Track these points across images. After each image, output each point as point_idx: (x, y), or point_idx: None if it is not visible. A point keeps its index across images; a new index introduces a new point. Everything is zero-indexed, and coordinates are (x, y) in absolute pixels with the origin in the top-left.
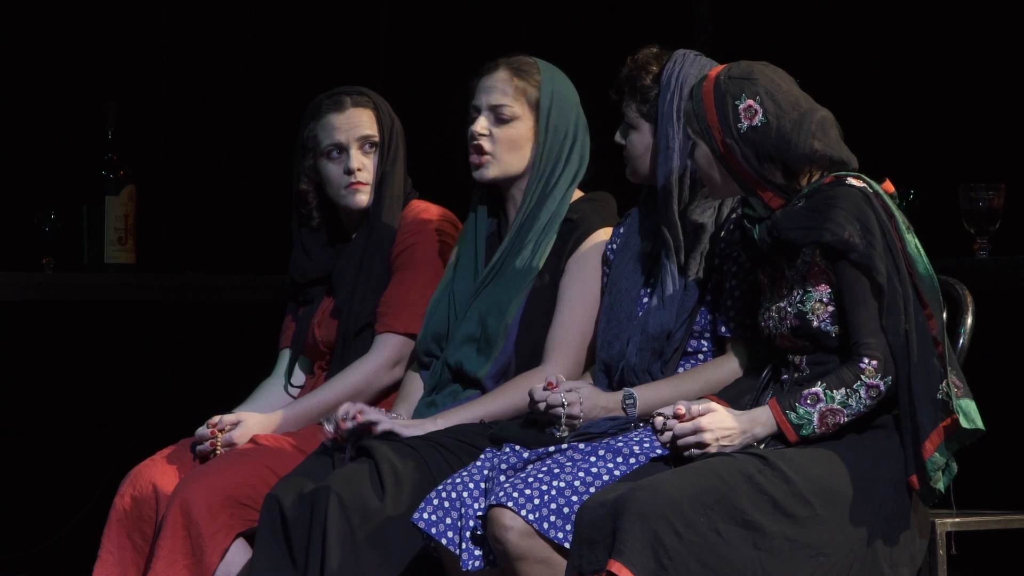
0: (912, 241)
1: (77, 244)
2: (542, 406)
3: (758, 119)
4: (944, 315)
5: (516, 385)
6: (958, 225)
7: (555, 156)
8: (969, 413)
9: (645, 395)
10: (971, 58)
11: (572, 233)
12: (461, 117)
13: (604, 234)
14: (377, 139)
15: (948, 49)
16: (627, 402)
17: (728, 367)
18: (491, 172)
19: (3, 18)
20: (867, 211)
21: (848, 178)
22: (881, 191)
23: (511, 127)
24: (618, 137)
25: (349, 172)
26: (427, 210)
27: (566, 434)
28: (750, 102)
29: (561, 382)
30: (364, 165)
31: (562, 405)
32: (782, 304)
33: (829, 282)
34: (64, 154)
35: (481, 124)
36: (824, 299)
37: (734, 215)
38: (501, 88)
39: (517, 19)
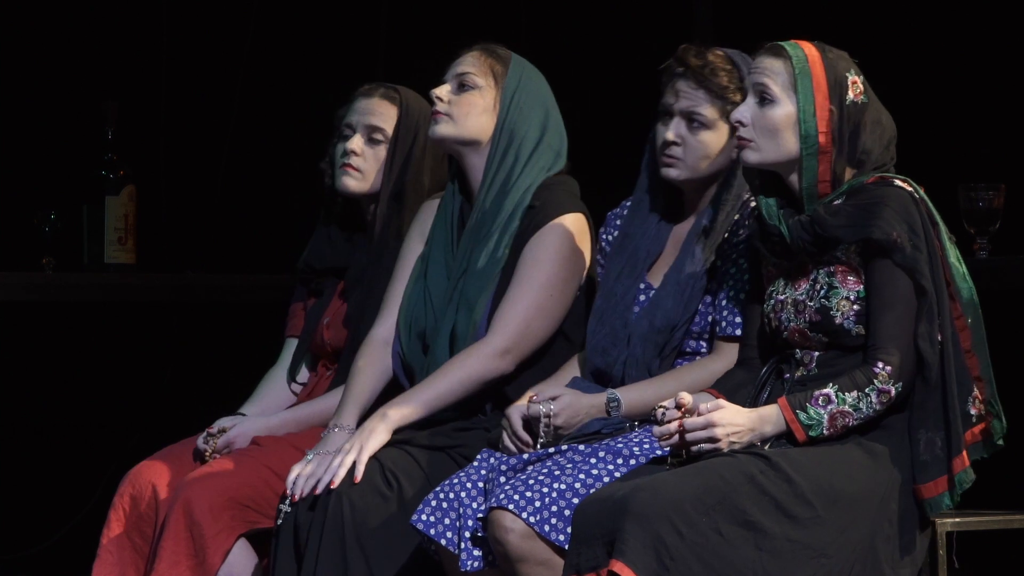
0: (953, 252)
1: (77, 244)
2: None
3: (861, 97)
4: (983, 331)
5: (457, 363)
6: (958, 225)
7: (517, 141)
8: (997, 430)
9: (629, 396)
10: (971, 58)
11: (532, 220)
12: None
13: (566, 219)
14: (385, 131)
15: (948, 49)
16: (611, 404)
17: (711, 368)
18: (444, 129)
19: (3, 18)
20: (914, 215)
21: (896, 180)
22: (926, 198)
23: (471, 94)
24: (676, 133)
25: (345, 153)
26: None
27: (551, 440)
28: (855, 79)
29: (541, 393)
30: (362, 152)
31: (546, 416)
32: (800, 297)
33: (859, 280)
34: (64, 154)
35: (443, 88)
36: (851, 297)
37: (737, 215)
38: (469, 61)
39: (517, 19)
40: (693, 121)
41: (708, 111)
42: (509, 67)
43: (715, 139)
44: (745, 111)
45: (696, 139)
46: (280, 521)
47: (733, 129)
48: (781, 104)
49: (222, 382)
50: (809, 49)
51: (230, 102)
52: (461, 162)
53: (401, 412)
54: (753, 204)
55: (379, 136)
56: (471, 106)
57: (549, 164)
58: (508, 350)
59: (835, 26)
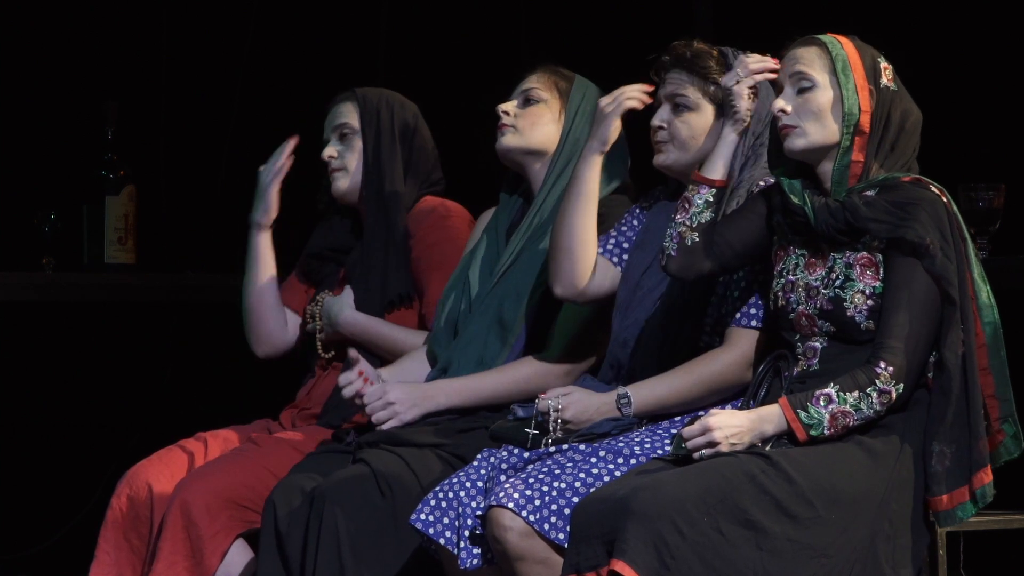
0: (978, 269)
1: (77, 244)
2: (519, 412)
3: (892, 84)
4: (1003, 352)
5: (517, 368)
6: None
7: (580, 151)
8: (1010, 450)
9: (639, 393)
10: (971, 58)
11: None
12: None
13: None
14: (351, 125)
15: (948, 49)
16: (621, 401)
17: (723, 359)
18: (509, 140)
19: (3, 18)
20: (946, 224)
21: (932, 186)
22: (957, 212)
23: (536, 107)
24: (661, 119)
25: (325, 164)
26: (442, 205)
27: (560, 435)
28: (886, 65)
29: (552, 390)
30: (338, 153)
31: (555, 410)
32: (814, 283)
33: (877, 276)
34: (64, 154)
35: (509, 104)
36: (867, 291)
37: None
38: (534, 78)
39: (517, 19)
40: (678, 105)
41: (691, 92)
42: (574, 83)
43: (699, 120)
44: (785, 99)
45: (680, 120)
46: (353, 445)
47: (719, 111)
48: (822, 88)
49: (222, 382)
50: (839, 37)
51: (230, 102)
52: (524, 173)
53: (451, 400)
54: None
55: (347, 130)
56: (536, 117)
57: (609, 177)
58: (571, 371)
59: (835, 27)
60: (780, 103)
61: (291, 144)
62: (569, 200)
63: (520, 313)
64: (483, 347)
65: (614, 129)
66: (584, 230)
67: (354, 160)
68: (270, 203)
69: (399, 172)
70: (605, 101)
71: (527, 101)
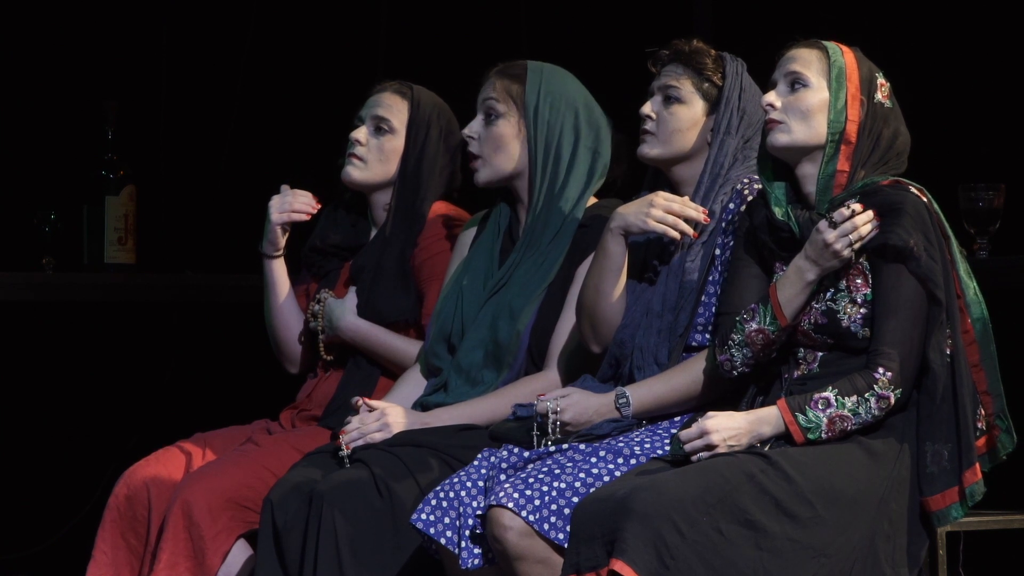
0: (964, 266)
1: (77, 244)
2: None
3: (887, 101)
4: (992, 347)
5: (514, 389)
6: (958, 225)
7: (553, 154)
8: (1006, 445)
9: (638, 393)
10: (971, 58)
11: (583, 240)
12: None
13: None
14: (391, 123)
15: (948, 49)
16: (620, 402)
17: None
18: (482, 176)
19: (3, 18)
20: (928, 224)
21: (911, 187)
22: (939, 210)
23: (496, 125)
24: (651, 108)
25: (351, 143)
26: (449, 214)
27: (559, 437)
28: (883, 82)
29: (550, 392)
30: (367, 141)
31: (554, 412)
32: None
33: (867, 283)
34: (64, 154)
35: (470, 127)
36: (858, 300)
37: (732, 204)
38: (488, 88)
39: (517, 18)
40: (669, 97)
41: (684, 85)
42: (526, 83)
43: (688, 114)
44: (774, 95)
45: (668, 112)
46: (348, 464)
47: (709, 108)
48: (815, 89)
49: (222, 382)
50: (841, 46)
51: (230, 102)
52: (512, 189)
53: (442, 420)
54: (749, 195)
55: (385, 127)
56: (495, 140)
57: (586, 169)
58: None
59: (836, 27)
60: (770, 97)
61: (314, 204)
62: (603, 276)
63: (515, 332)
64: (480, 370)
65: (648, 229)
66: (619, 298)
67: (377, 158)
68: (276, 239)
69: (434, 189)
70: (657, 214)
71: (488, 116)
